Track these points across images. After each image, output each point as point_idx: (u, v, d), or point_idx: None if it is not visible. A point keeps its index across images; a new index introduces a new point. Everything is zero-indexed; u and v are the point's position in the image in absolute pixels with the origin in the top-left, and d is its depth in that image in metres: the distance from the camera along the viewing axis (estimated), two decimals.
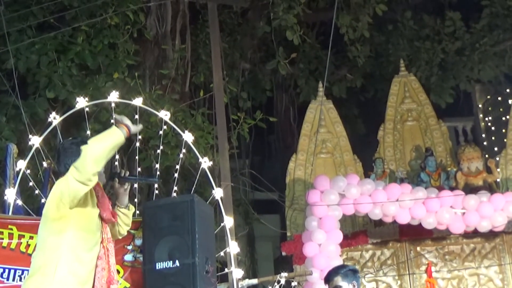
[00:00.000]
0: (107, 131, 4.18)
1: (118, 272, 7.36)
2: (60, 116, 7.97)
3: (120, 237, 4.96)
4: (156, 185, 8.54)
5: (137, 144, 8.66)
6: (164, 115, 8.02)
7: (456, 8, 15.79)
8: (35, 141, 7.56)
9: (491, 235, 11.42)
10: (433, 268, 10.91)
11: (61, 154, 4.49)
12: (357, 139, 13.83)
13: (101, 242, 4.51)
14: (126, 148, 11.16)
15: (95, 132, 10.40)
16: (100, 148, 4.07)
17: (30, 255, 5.33)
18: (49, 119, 7.77)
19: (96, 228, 4.46)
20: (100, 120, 10.55)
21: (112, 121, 8.35)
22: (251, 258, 15.08)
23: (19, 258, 6.49)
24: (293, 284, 9.82)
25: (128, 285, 7.33)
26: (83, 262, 4.26)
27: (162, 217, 6.94)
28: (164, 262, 6.74)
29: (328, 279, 5.72)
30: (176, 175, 8.38)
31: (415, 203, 10.50)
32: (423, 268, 11.21)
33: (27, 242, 6.51)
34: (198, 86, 13.40)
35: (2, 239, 6.49)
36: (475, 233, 11.30)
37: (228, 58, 13.74)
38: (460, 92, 15.81)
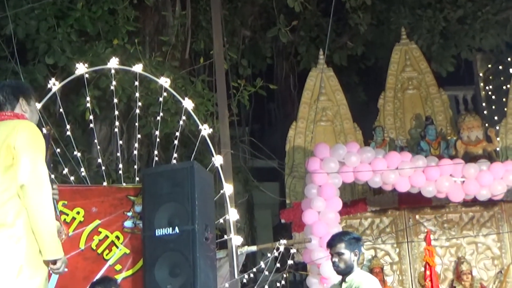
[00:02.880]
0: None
1: (118, 238, 7.40)
2: (60, 82, 7.95)
3: None
4: (156, 152, 8.54)
5: (137, 110, 8.65)
6: (164, 82, 8.00)
7: None
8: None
9: (489, 203, 11.45)
10: (431, 236, 10.93)
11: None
12: (357, 107, 13.81)
13: None
14: (126, 115, 11.16)
15: (95, 98, 10.43)
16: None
17: None
18: (49, 86, 7.76)
19: None
20: (100, 86, 10.52)
21: (112, 87, 8.37)
22: (250, 225, 15.14)
23: None
24: (292, 251, 9.84)
25: (128, 251, 7.36)
26: None
27: (162, 184, 6.96)
28: (163, 229, 6.77)
29: (332, 244, 5.74)
30: (176, 142, 8.38)
31: (415, 171, 10.51)
32: (422, 236, 11.24)
33: None
34: (198, 53, 13.33)
35: None
36: (474, 202, 11.33)
37: (228, 25, 13.65)
38: (461, 60, 15.75)
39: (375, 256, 11.54)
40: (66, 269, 3.89)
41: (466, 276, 10.96)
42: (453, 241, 11.71)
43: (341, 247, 5.63)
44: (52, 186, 4.00)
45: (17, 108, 4.09)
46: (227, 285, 8.53)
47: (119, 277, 7.17)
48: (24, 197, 3.71)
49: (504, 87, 13.95)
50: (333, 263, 5.68)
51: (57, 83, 7.86)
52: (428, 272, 9.95)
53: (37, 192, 3.70)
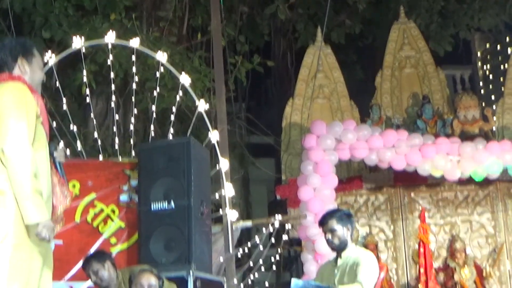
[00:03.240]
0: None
1: (114, 212, 7.44)
2: (56, 56, 7.95)
3: None
4: (152, 127, 8.55)
5: (134, 85, 8.66)
6: (161, 57, 8.00)
7: None
8: None
9: (485, 183, 11.47)
10: (426, 214, 10.97)
11: None
12: (355, 85, 13.79)
13: None
14: (122, 90, 11.15)
15: (91, 73, 10.41)
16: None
17: None
18: (45, 59, 7.75)
19: None
20: (97, 61, 10.50)
21: (109, 62, 8.36)
22: (246, 201, 15.18)
23: None
24: (287, 227, 9.90)
25: (123, 225, 7.40)
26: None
27: (158, 159, 6.99)
28: (159, 203, 6.81)
29: (323, 222, 5.77)
30: (172, 117, 8.40)
31: (411, 149, 10.53)
32: (417, 214, 11.27)
33: None
34: (196, 29, 13.31)
35: None
36: (469, 181, 11.35)
37: (226, 1, 13.57)
38: (459, 40, 15.71)
39: (369, 233, 11.58)
40: (51, 236, 3.67)
41: (459, 254, 11.01)
42: (448, 219, 11.76)
43: (333, 223, 5.65)
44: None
45: (16, 69, 3.95)
46: (221, 259, 8.59)
47: (114, 250, 7.22)
48: (4, 161, 3.67)
49: (502, 67, 13.96)
50: (327, 240, 5.70)
51: (53, 56, 7.86)
52: (422, 250, 9.98)
53: (14, 156, 3.59)
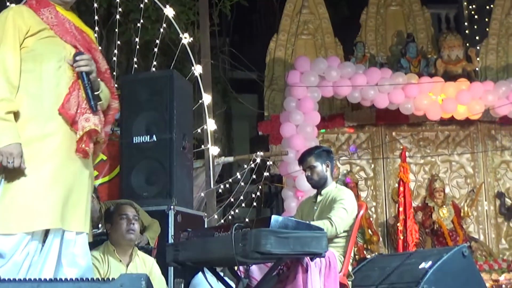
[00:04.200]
0: None
1: None
2: None
3: None
4: (135, 59, 8.47)
5: (117, 16, 8.53)
6: None
7: None
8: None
9: (466, 123, 11.54)
10: (407, 153, 11.05)
11: None
12: (340, 21, 13.65)
13: None
14: (105, 20, 10.98)
15: (74, 3, 10.22)
16: None
17: None
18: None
19: None
20: None
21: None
22: (228, 136, 15.17)
23: None
24: (268, 163, 9.92)
25: (105, 157, 7.36)
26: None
27: (141, 91, 6.92)
28: (141, 136, 6.78)
29: (302, 160, 5.78)
30: (155, 50, 8.31)
31: (394, 88, 10.54)
32: (397, 153, 11.33)
33: None
34: None
35: None
36: (450, 121, 11.41)
37: None
38: None
39: (350, 171, 11.64)
40: (16, 162, 3.48)
41: (438, 194, 11.11)
42: (428, 158, 11.85)
43: (312, 160, 5.66)
44: (79, 57, 3.76)
45: None
46: (202, 194, 8.62)
47: (96, 183, 7.18)
48: None
49: (487, 7, 13.83)
50: (307, 177, 5.72)
51: None
52: (401, 188, 10.05)
53: None
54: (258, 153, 9.44)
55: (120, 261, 5.20)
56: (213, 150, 8.30)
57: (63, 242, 3.63)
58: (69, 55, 3.74)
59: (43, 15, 3.75)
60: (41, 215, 3.52)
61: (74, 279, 3.36)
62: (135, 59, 8.46)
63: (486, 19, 13.14)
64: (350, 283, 5.31)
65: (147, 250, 5.74)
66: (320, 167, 5.63)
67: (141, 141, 6.76)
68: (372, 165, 11.80)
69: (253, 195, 9.80)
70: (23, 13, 3.73)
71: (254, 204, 9.93)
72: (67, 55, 3.74)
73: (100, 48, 4.30)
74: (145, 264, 5.32)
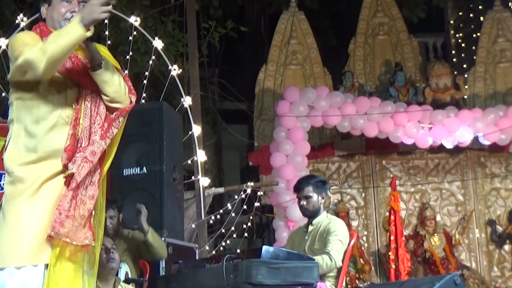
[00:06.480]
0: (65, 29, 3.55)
1: None
2: (28, 18, 7.83)
3: None
4: None
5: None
6: (134, 20, 7.92)
7: None
8: (2, 43, 7.45)
9: (455, 151, 11.57)
10: (397, 182, 11.07)
11: None
12: (328, 51, 13.73)
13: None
14: None
15: None
16: (57, 50, 3.50)
17: None
18: (17, 21, 7.64)
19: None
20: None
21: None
22: (218, 167, 15.15)
23: None
24: (259, 193, 9.91)
25: None
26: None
27: (130, 123, 6.86)
28: (131, 168, 6.76)
29: (299, 187, 5.77)
30: (145, 82, 8.33)
31: (383, 117, 10.58)
32: (388, 181, 11.36)
33: None
34: None
35: None
36: (440, 149, 11.44)
37: None
38: (433, 7, 15.69)
39: (341, 201, 11.63)
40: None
41: (429, 222, 11.09)
42: (418, 187, 11.85)
43: (309, 190, 5.66)
44: None
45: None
46: (193, 225, 8.60)
47: None
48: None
49: (474, 35, 13.95)
50: (301, 206, 5.72)
51: (25, 19, 7.75)
52: (392, 217, 10.09)
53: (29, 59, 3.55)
54: (248, 183, 9.43)
55: None
56: (204, 181, 8.28)
57: None
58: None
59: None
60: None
61: None
62: None
63: (473, 47, 13.25)
64: None
65: (138, 282, 5.69)
66: (316, 197, 5.65)
67: (131, 173, 6.75)
68: (363, 194, 11.79)
69: (244, 226, 9.77)
70: (32, 33, 3.81)
71: (246, 234, 9.89)
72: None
73: None
74: None
